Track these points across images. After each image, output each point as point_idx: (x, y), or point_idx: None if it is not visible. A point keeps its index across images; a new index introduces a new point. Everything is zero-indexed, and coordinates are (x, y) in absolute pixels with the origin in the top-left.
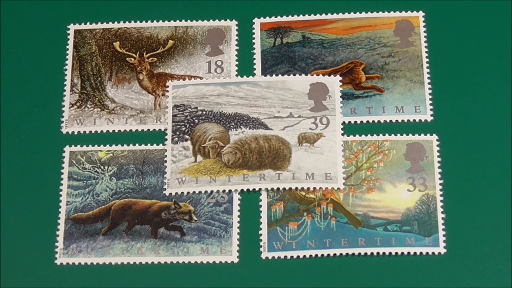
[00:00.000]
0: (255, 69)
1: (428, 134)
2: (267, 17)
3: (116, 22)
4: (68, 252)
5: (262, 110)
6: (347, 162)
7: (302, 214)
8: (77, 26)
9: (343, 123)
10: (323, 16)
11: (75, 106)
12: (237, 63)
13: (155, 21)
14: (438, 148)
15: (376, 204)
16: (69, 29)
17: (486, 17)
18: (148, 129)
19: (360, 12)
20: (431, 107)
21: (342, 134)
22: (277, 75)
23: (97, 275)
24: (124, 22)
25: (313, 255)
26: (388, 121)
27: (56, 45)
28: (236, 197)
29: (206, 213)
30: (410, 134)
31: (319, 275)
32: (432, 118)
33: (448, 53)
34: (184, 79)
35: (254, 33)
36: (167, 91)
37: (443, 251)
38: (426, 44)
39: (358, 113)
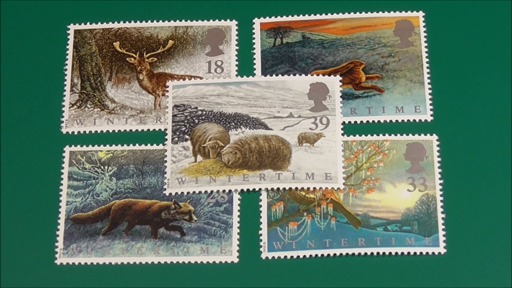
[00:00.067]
0: (255, 69)
1: (428, 134)
2: (267, 17)
3: (116, 22)
4: (68, 252)
5: (262, 110)
6: (347, 162)
7: (302, 214)
8: (77, 26)
9: (343, 123)
10: (323, 16)
11: (75, 106)
12: (237, 63)
13: (155, 21)
14: (438, 148)
15: (376, 204)
16: (69, 29)
17: (486, 17)
18: (148, 129)
19: (360, 12)
20: (431, 107)
21: (342, 134)
22: (277, 75)
23: (97, 275)
24: (124, 22)
25: (313, 255)
26: (388, 121)
27: (56, 45)
28: (236, 197)
29: (206, 213)
30: (410, 134)
31: (319, 275)
32: (432, 118)
33: (448, 53)
34: (184, 79)
35: (254, 33)
36: (167, 91)
37: (443, 251)
38: (426, 44)
39: (358, 113)
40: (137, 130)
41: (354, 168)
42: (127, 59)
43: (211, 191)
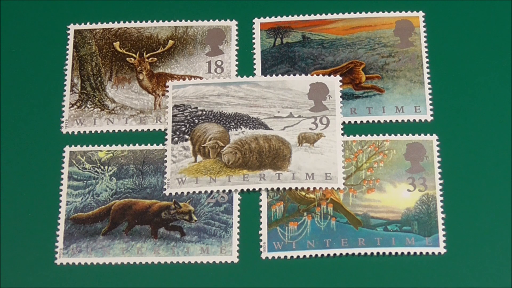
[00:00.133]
0: (255, 69)
1: (428, 134)
2: (267, 17)
3: (116, 22)
4: (68, 252)
5: (262, 110)
6: (347, 162)
7: (302, 214)
8: (77, 26)
9: (343, 123)
10: (323, 16)
11: (75, 106)
12: (237, 63)
13: (155, 21)
14: (438, 148)
15: (376, 204)
16: (69, 29)
17: (486, 17)
18: (148, 129)
19: (360, 12)
20: (431, 107)
21: (342, 134)
22: (277, 75)
23: (97, 275)
24: (124, 22)
25: (313, 255)
26: (388, 121)
27: (56, 45)
28: (236, 197)
29: (206, 213)
30: (410, 134)
31: (319, 275)
32: (432, 118)
33: (448, 53)
34: (184, 79)
35: (254, 33)
36: (167, 91)
37: (443, 251)
38: (426, 44)
39: (358, 113)
40: (137, 130)
41: (354, 168)
42: (127, 59)
43: (211, 191)
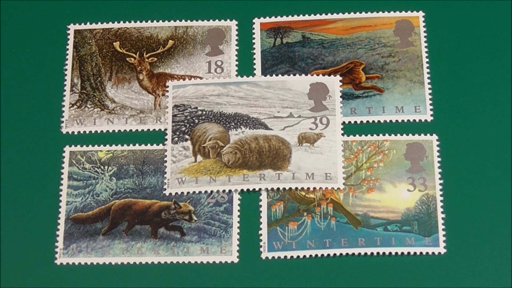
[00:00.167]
0: (255, 69)
1: (428, 134)
2: (267, 17)
3: (116, 22)
4: (68, 252)
5: (262, 110)
6: (347, 162)
7: (302, 214)
8: (77, 26)
9: (343, 123)
10: (323, 16)
11: (75, 106)
12: (237, 63)
13: (155, 21)
14: (438, 148)
15: (376, 204)
16: (69, 29)
17: (486, 17)
18: (148, 129)
19: (360, 12)
20: (431, 107)
21: (342, 134)
22: (277, 75)
23: (97, 275)
24: (124, 22)
25: (313, 255)
26: (388, 121)
27: (56, 45)
28: (236, 197)
29: (206, 213)
30: (410, 134)
31: (319, 275)
32: (432, 118)
33: (448, 53)
34: (184, 79)
35: (254, 33)
36: (167, 91)
37: (443, 251)
38: (426, 44)
39: (358, 113)
40: (137, 130)
41: (354, 168)
42: (127, 59)
43: (211, 191)
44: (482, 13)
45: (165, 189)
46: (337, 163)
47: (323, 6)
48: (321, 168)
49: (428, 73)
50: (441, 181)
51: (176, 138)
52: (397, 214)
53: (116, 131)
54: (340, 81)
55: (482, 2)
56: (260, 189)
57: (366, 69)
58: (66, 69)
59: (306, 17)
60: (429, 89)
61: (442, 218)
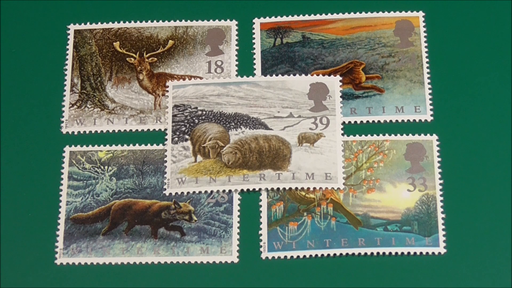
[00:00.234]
0: (255, 69)
1: (428, 134)
2: (267, 17)
3: (116, 22)
4: (68, 252)
5: (262, 110)
6: (347, 162)
7: (302, 214)
8: (77, 26)
9: (343, 123)
10: (323, 16)
11: (75, 106)
12: (237, 63)
13: (155, 21)
14: (438, 148)
15: (376, 204)
16: (69, 29)
17: (486, 17)
18: (148, 129)
19: (360, 12)
20: (431, 107)
21: (342, 134)
22: (277, 75)
23: (97, 275)
24: (124, 22)
25: (313, 255)
26: (388, 121)
27: (56, 45)
28: (236, 197)
29: (206, 213)
30: (410, 134)
31: (319, 275)
32: (432, 118)
33: (448, 53)
34: (184, 79)
35: (254, 33)
36: (167, 91)
37: (443, 251)
38: (426, 44)
39: (358, 113)
40: (137, 130)
41: (354, 168)
42: (127, 59)
43: (211, 191)
44: (482, 13)
45: (165, 189)
46: (337, 163)
47: (323, 6)
48: (321, 168)
49: (428, 73)
50: (441, 181)
51: (176, 138)
52: (397, 214)
53: (116, 131)
54: (340, 81)
55: (482, 2)
56: (260, 189)
57: (366, 69)
58: (66, 69)
59: (306, 17)
60: (429, 89)
61: (442, 218)
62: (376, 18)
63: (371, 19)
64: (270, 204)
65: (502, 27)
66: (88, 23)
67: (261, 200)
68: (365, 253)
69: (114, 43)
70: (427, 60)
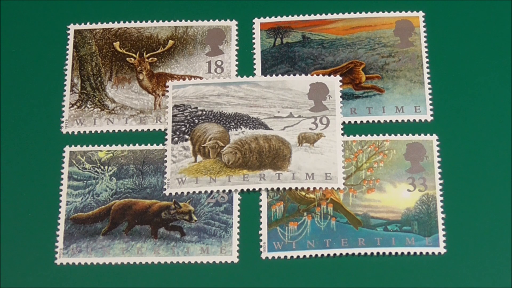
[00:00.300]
0: (255, 69)
1: (428, 134)
2: (267, 17)
3: (116, 22)
4: (68, 252)
5: (262, 110)
6: (347, 162)
7: (302, 214)
8: (77, 26)
9: (343, 123)
10: (323, 16)
11: (75, 106)
12: (237, 63)
13: (155, 21)
14: (438, 148)
15: (376, 204)
16: (69, 29)
17: (486, 17)
18: (148, 129)
19: (360, 12)
20: (431, 107)
21: (342, 134)
22: (277, 75)
23: (97, 275)
24: (124, 22)
25: (313, 255)
26: (388, 121)
27: (56, 45)
28: (236, 197)
29: (206, 213)
30: (410, 134)
31: (319, 275)
32: (432, 118)
33: (448, 53)
34: (184, 79)
35: (254, 33)
36: (167, 91)
37: (443, 251)
38: (426, 44)
39: (358, 113)
40: (137, 130)
41: (354, 168)
42: (127, 59)
43: (211, 191)
44: (482, 13)
45: (165, 189)
46: (337, 163)
47: (323, 6)
48: (321, 168)
49: (428, 73)
50: (441, 181)
51: (176, 138)
52: (397, 214)
53: (116, 131)
54: (340, 81)
55: (482, 2)
56: (260, 189)
57: (366, 69)
58: (66, 69)
59: (306, 17)
60: (429, 89)
61: (442, 218)
62: (376, 18)
63: (371, 19)
64: (270, 204)
65: (502, 27)
66: (88, 23)
67: (261, 200)
68: (365, 253)
69: (114, 43)
70: (427, 60)
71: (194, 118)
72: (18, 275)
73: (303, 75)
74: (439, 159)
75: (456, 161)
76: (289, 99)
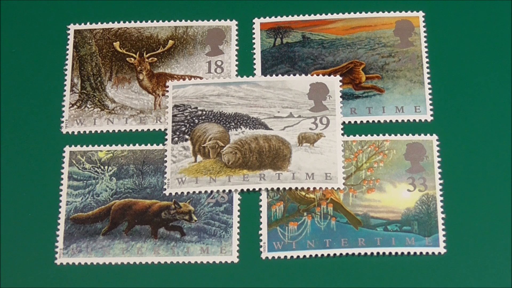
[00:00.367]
0: (255, 69)
1: (428, 134)
2: (267, 17)
3: (116, 22)
4: (68, 252)
5: (262, 110)
6: (347, 162)
7: (302, 214)
8: (77, 26)
9: (343, 123)
10: (323, 16)
11: (75, 106)
12: (237, 63)
13: (155, 21)
14: (438, 148)
15: (376, 204)
16: (69, 29)
17: (486, 17)
18: (148, 129)
19: (360, 12)
20: (431, 107)
21: (342, 134)
22: (277, 75)
23: (97, 275)
24: (124, 22)
25: (313, 255)
26: (388, 121)
27: (56, 45)
28: (236, 197)
29: (206, 213)
30: (410, 134)
31: (319, 275)
32: (432, 118)
33: (448, 53)
34: (184, 79)
35: (254, 33)
36: (167, 91)
37: (443, 251)
38: (426, 44)
39: (358, 113)
40: (137, 130)
41: (354, 168)
42: (127, 59)
43: (211, 191)
44: (482, 13)
45: (165, 189)
46: (337, 163)
47: (323, 6)
48: (321, 168)
49: (428, 73)
50: (441, 181)
51: (176, 138)
52: (397, 214)
53: (116, 131)
54: (340, 81)
55: (482, 2)
56: (260, 189)
57: (366, 69)
58: (66, 69)
59: (306, 17)
60: (429, 89)
61: (442, 218)
62: (376, 18)
63: (371, 19)
64: (270, 204)
65: (502, 27)
66: (88, 23)
67: (261, 200)
68: (365, 253)
69: (114, 43)
70: (427, 60)
71: (194, 118)
72: (18, 275)
73: (303, 75)
74: (439, 159)
75: (456, 161)
76: (289, 99)
